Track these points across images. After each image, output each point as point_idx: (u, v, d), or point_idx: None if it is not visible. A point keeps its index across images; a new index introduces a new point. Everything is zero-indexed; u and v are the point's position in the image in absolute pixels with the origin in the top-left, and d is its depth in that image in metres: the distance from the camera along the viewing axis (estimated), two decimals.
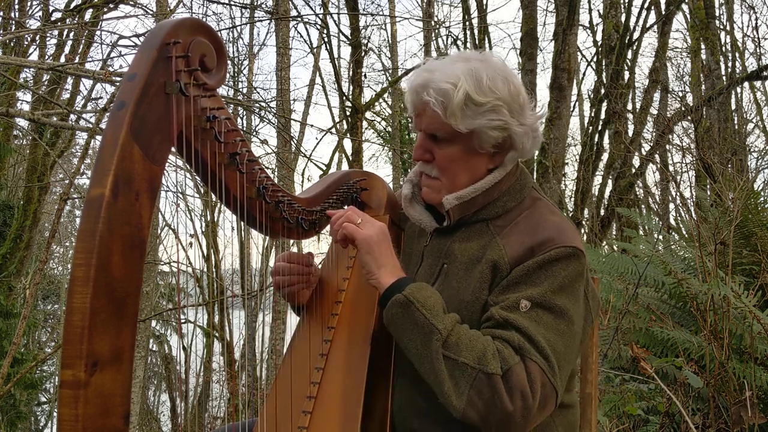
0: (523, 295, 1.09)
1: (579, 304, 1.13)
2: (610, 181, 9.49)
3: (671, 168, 9.37)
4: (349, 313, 1.29)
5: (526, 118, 1.19)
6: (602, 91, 9.74)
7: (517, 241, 1.16)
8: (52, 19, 8.77)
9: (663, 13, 9.37)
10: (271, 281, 1.40)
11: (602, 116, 9.58)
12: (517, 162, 1.27)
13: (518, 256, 1.13)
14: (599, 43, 10.85)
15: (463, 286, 1.18)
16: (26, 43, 9.26)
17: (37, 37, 8.78)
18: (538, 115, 1.22)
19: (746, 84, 10.82)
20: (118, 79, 3.83)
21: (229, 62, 0.96)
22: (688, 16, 10.19)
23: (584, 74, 12.79)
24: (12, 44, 8.71)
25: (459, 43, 11.77)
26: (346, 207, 1.35)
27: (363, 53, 10.04)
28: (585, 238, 8.73)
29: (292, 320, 1.42)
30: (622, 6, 9.77)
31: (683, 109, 8.85)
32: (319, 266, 1.45)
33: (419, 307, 1.08)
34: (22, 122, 9.30)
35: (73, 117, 6.87)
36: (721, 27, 10.37)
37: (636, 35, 9.64)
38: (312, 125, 17.27)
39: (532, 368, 1.04)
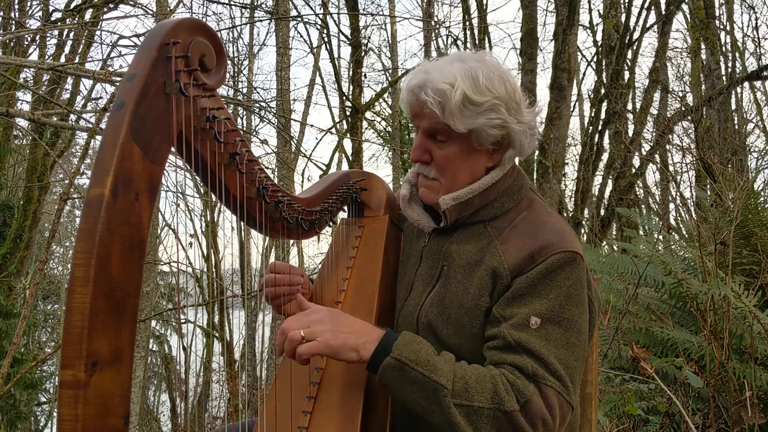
0: (532, 311, 1.09)
1: (585, 311, 1.13)
2: (610, 181, 9.49)
3: (671, 168, 9.37)
4: (349, 313, 1.29)
5: (524, 115, 1.20)
6: (602, 91, 9.74)
7: (516, 246, 1.15)
8: (52, 19, 8.77)
9: (663, 13, 9.37)
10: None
11: (602, 116, 9.58)
12: (515, 163, 1.27)
13: (518, 263, 1.13)
14: (599, 43, 10.85)
15: (462, 290, 1.18)
16: (26, 43, 9.26)
17: (37, 37, 8.77)
18: (534, 113, 1.22)
19: (746, 84, 10.83)
20: (118, 79, 3.83)
21: (229, 62, 0.96)
22: (688, 16, 10.19)
23: (584, 74, 12.81)
24: (12, 44, 8.71)
25: (459, 43, 11.78)
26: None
27: (363, 53, 10.04)
28: (585, 238, 8.73)
29: None
30: (622, 6, 9.78)
31: (683, 109, 8.85)
32: (319, 266, 1.45)
33: (414, 366, 1.03)
34: (22, 122, 9.30)
35: (73, 117, 6.87)
36: (721, 27, 10.38)
37: (636, 35, 9.65)
38: (312, 125, 17.30)
39: (548, 393, 1.04)
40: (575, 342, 1.09)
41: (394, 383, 1.04)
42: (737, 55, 11.29)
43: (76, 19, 8.16)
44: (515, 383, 1.04)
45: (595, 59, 11.29)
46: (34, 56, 9.84)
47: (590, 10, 11.75)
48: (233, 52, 12.53)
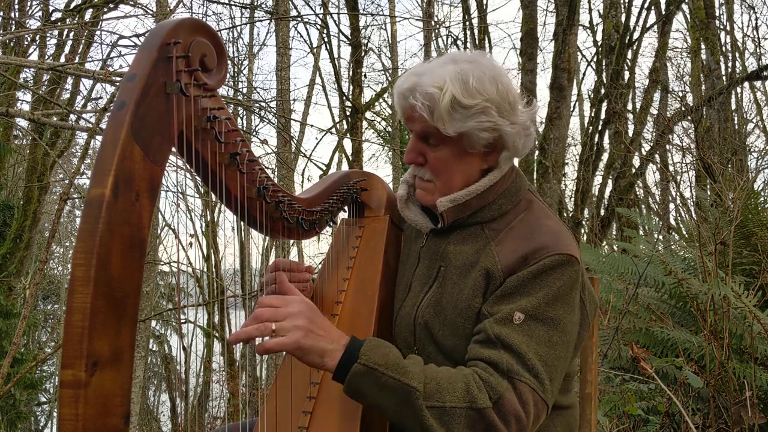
0: (517, 307, 1.08)
1: (574, 313, 1.12)
2: (610, 181, 9.50)
3: (671, 168, 9.37)
4: (350, 314, 1.29)
5: (518, 116, 1.18)
6: (602, 91, 9.74)
7: (511, 248, 1.15)
8: (52, 19, 8.77)
9: (663, 13, 9.38)
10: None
11: (602, 116, 9.58)
12: (513, 164, 1.26)
13: (511, 264, 1.12)
14: (599, 43, 10.85)
15: (457, 291, 1.18)
16: (26, 43, 9.26)
17: (37, 37, 8.77)
18: (530, 113, 1.20)
19: (746, 84, 10.82)
20: (118, 79, 3.83)
21: (229, 62, 0.96)
22: (688, 16, 10.20)
23: (584, 74, 12.81)
24: (12, 44, 8.71)
25: (459, 43, 11.78)
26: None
27: (363, 53, 10.04)
28: (585, 238, 8.73)
29: None
30: (622, 6, 9.78)
31: (683, 109, 8.85)
32: (319, 266, 1.45)
33: (384, 371, 1.00)
34: (22, 122, 9.30)
35: (73, 117, 6.87)
36: (721, 27, 10.38)
37: (636, 35, 9.65)
38: (312, 125, 17.31)
39: (522, 389, 1.03)
40: (558, 341, 1.08)
41: (364, 389, 1.02)
42: (737, 55, 11.30)
43: (76, 19, 8.16)
44: (488, 380, 1.03)
45: (595, 59, 11.29)
46: (34, 56, 9.85)
47: (590, 10, 11.76)
48: (233, 52, 12.54)
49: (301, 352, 1.01)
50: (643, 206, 11.43)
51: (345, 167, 12.46)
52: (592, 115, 10.19)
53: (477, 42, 10.96)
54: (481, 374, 1.04)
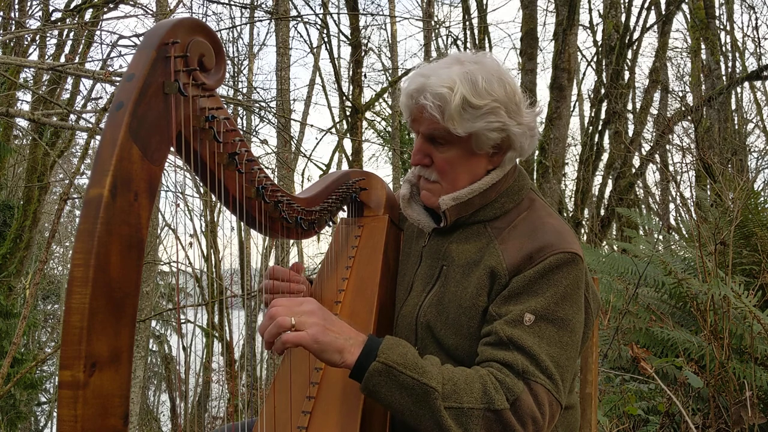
0: (527, 308, 1.08)
1: (581, 312, 1.13)
2: (610, 181, 9.50)
3: (671, 168, 9.37)
4: (349, 313, 1.29)
5: (523, 117, 1.19)
6: (602, 91, 9.74)
7: (515, 246, 1.15)
8: (52, 19, 8.77)
9: (663, 13, 9.38)
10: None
11: (602, 116, 9.59)
12: (515, 163, 1.27)
13: (517, 263, 1.12)
14: (599, 43, 10.85)
15: (460, 290, 1.18)
16: (26, 43, 9.26)
17: (37, 37, 8.78)
18: (535, 114, 1.21)
19: (746, 84, 10.83)
20: (118, 79, 3.83)
21: (228, 62, 0.96)
22: (688, 16, 10.20)
23: (584, 74, 12.81)
24: (12, 44, 8.71)
25: (459, 43, 11.78)
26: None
27: (363, 53, 10.04)
28: (585, 238, 8.73)
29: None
30: (622, 6, 9.78)
31: (683, 109, 8.85)
32: (319, 266, 1.44)
33: (403, 370, 1.00)
34: (22, 122, 9.31)
35: (73, 117, 6.87)
36: (721, 27, 10.38)
37: (636, 35, 9.66)
38: (312, 125, 17.31)
39: (538, 390, 1.03)
40: (568, 341, 1.08)
41: (382, 389, 1.01)
42: (737, 55, 11.30)
43: (76, 19, 8.16)
44: (504, 381, 1.03)
45: (595, 59, 11.29)
46: (34, 56, 9.86)
47: (590, 10, 11.78)
48: (233, 52, 12.53)
49: (318, 348, 1.00)
50: (643, 206, 11.42)
51: (345, 167, 12.46)
52: (592, 115, 10.19)
53: (477, 42, 10.96)
54: (497, 375, 1.04)
